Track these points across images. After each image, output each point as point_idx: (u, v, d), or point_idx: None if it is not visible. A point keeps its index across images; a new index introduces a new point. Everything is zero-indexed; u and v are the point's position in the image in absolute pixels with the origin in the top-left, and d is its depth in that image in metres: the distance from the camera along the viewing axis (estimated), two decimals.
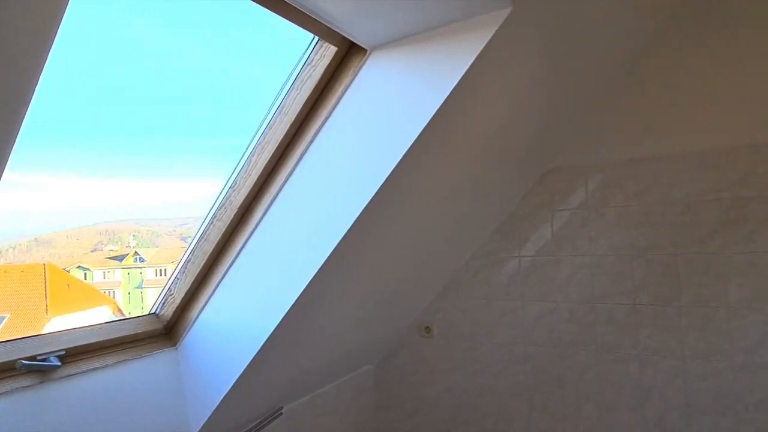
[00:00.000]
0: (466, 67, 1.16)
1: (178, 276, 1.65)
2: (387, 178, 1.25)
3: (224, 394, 1.51)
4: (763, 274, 1.65)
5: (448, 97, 1.18)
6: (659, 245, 1.81)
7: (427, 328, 2.27)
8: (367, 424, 2.34)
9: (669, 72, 1.81)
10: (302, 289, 1.42)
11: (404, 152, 1.20)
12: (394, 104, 1.29)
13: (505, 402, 2.10)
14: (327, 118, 1.36)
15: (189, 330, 1.62)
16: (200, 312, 1.61)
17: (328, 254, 1.36)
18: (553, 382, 2.00)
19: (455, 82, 1.16)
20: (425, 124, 1.22)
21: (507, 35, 1.17)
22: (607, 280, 1.90)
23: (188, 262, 1.63)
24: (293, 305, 1.43)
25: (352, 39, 1.28)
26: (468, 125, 1.42)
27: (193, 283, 1.62)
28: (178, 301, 1.64)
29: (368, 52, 1.30)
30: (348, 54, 1.37)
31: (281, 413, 1.83)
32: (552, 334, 2.01)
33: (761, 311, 1.65)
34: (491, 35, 1.12)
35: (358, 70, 1.30)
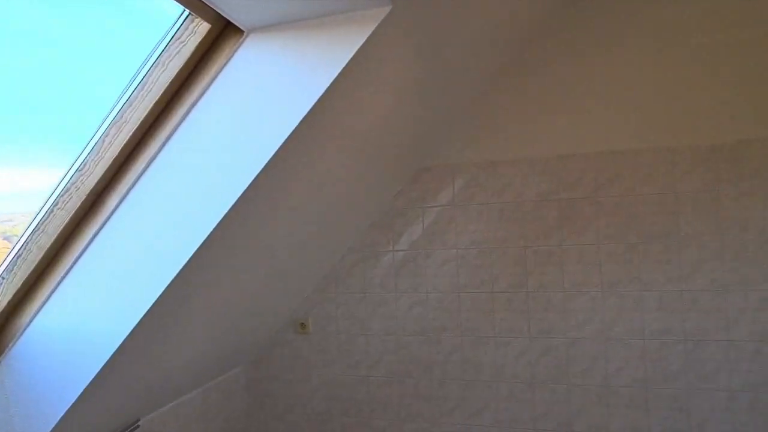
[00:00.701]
0: (346, 60, 1.17)
1: (2, 277, 1.37)
2: (262, 169, 1.20)
3: (65, 411, 1.31)
4: (589, 262, 1.97)
5: (327, 89, 1.18)
6: (512, 239, 2.05)
7: (303, 324, 2.24)
8: (237, 429, 2.23)
9: (524, 86, 2.04)
10: (163, 289, 1.29)
11: (281, 143, 1.17)
12: (271, 92, 1.24)
13: (380, 390, 2.17)
14: (197, 101, 1.26)
15: (18, 339, 1.36)
16: (33, 317, 1.37)
17: (195, 249, 1.26)
18: (423, 367, 2.13)
19: (335, 75, 1.16)
20: (303, 115, 1.20)
21: (386, 33, 1.21)
22: (470, 271, 2.09)
23: (18, 259, 1.37)
24: (152, 306, 1.30)
25: (228, 17, 1.20)
26: (346, 120, 1.44)
27: (24, 284, 1.37)
28: (3, 306, 1.37)
29: (245, 33, 1.23)
30: (223, 34, 1.28)
31: (138, 426, 1.65)
32: (423, 322, 2.14)
33: (586, 294, 1.97)
34: (371, 31, 1.15)
35: (234, 52, 1.22)
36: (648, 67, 1.91)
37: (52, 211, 1.34)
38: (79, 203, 1.34)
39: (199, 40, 1.24)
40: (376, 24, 1.15)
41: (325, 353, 2.23)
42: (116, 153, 1.31)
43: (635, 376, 1.92)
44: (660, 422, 1.89)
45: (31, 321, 1.37)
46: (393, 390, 2.16)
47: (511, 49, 1.99)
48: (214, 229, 1.25)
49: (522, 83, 2.04)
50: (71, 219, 1.35)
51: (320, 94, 1.15)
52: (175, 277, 1.29)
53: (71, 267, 1.36)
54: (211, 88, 1.23)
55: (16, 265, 1.36)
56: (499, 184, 2.06)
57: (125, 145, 1.31)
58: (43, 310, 1.36)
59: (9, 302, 1.37)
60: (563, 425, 1.98)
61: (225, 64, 1.22)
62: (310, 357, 2.25)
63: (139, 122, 1.29)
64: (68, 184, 1.33)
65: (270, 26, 1.23)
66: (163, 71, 1.28)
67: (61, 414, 1.31)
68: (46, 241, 1.35)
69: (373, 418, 2.17)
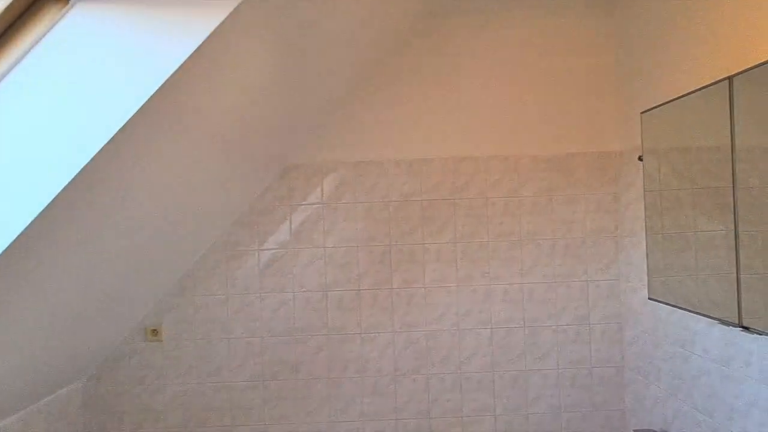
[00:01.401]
0: (194, 47, 1.07)
1: None
2: (93, 158, 1.04)
3: None
4: (446, 260, 2.12)
5: (172, 75, 1.07)
6: (378, 237, 2.11)
7: (154, 331, 2.04)
8: None
9: (391, 90, 2.12)
10: None
11: (116, 130, 1.02)
12: (101, 76, 1.07)
13: (243, 396, 2.08)
14: (5, 75, 1.05)
15: None
16: None
17: (3, 250, 1.05)
18: (289, 368, 2.09)
19: (182, 60, 1.06)
20: (140, 105, 1.06)
21: (239, 23, 1.14)
22: (338, 270, 2.10)
23: None
24: None
25: None
26: (200, 112, 1.33)
27: None
28: None
29: (71, 1, 1.06)
30: None
31: None
32: (289, 323, 2.09)
33: (444, 288, 2.12)
34: (223, 18, 1.07)
35: (57, 22, 1.04)
36: (496, 82, 2.12)
37: None
38: None
39: (10, 1, 1.03)
40: (231, 9, 1.08)
41: (181, 361, 2.06)
42: None
43: (484, 361, 2.12)
44: (503, 401, 2.12)
45: None
46: (257, 394, 2.08)
47: (376, 54, 2.04)
48: (29, 227, 1.05)
49: (388, 87, 2.11)
50: None
51: (161, 83, 1.03)
52: None
53: None
54: (26, 61, 1.03)
55: None
56: (366, 184, 2.11)
57: None
58: None
59: None
60: (422, 413, 2.11)
61: (44, 35, 1.03)
62: (163, 367, 2.06)
63: None
64: None
65: None
66: None
67: None
68: None
69: (236, 425, 2.07)
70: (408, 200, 2.11)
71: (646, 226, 1.71)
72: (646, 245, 1.70)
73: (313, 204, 2.11)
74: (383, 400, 2.10)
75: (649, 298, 1.66)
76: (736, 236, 1.28)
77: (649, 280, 1.68)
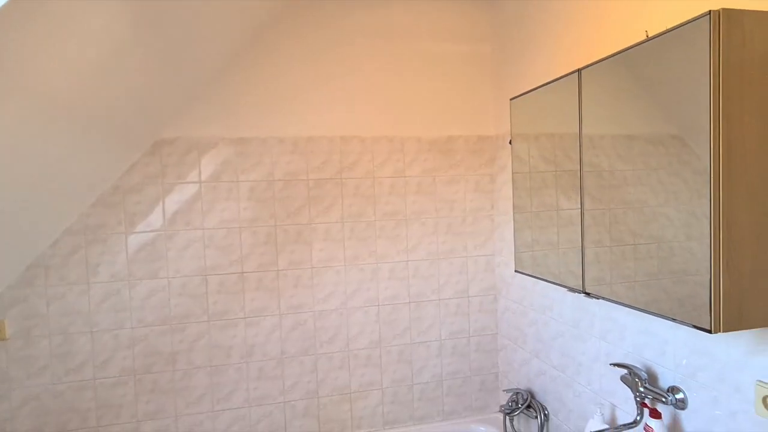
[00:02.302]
0: None
1: None
2: None
3: None
4: (335, 239, 2.11)
5: None
6: (262, 218, 2.03)
7: None
8: None
9: (274, 64, 2.02)
10: None
11: None
12: None
13: (111, 393, 1.89)
14: None
15: None
16: None
17: None
18: (164, 359, 1.94)
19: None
20: None
21: None
22: (219, 252, 1.99)
23: None
24: None
25: None
26: (32, 72, 1.14)
27: None
28: None
29: None
30: None
31: None
32: (164, 311, 1.94)
33: (332, 269, 2.11)
34: None
35: None
36: (382, 64, 2.13)
37: None
38: None
39: None
40: None
41: (32, 361, 1.81)
42: None
43: (371, 338, 2.17)
44: (390, 374, 2.19)
45: None
46: (128, 390, 1.91)
47: (254, 23, 1.93)
48: None
49: (271, 60, 2.01)
50: None
51: None
52: None
53: None
54: None
55: None
56: (248, 162, 2.00)
57: None
58: None
59: None
60: (311, 393, 2.10)
61: None
62: (9, 369, 1.79)
63: None
64: None
65: None
66: None
67: None
68: None
69: (102, 425, 1.89)
70: (294, 179, 2.05)
71: (514, 205, 1.85)
72: (514, 223, 1.85)
73: (190, 183, 1.95)
74: (270, 383, 2.05)
75: (515, 271, 1.81)
76: (582, 214, 1.43)
77: (516, 255, 1.83)
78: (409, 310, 2.21)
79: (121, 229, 1.89)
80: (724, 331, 0.94)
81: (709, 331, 0.94)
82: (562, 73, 1.49)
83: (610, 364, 1.38)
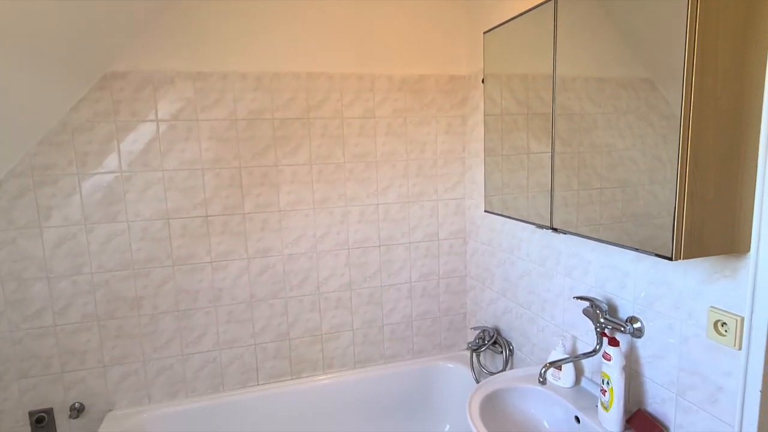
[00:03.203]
0: None
1: None
2: None
3: None
4: (302, 181, 2.05)
5: None
6: (226, 159, 1.94)
7: None
8: None
9: None
10: None
11: None
12: None
13: (73, 339, 1.85)
14: None
15: None
16: None
17: None
18: (128, 304, 1.90)
19: None
20: None
21: None
22: (181, 195, 1.90)
23: None
24: None
25: None
26: None
27: None
28: None
29: None
30: None
31: None
32: (125, 256, 1.87)
33: (300, 212, 2.07)
34: None
35: None
36: None
37: None
38: None
39: None
40: None
41: None
42: None
43: (342, 281, 2.17)
44: (360, 316, 2.22)
45: None
46: (92, 335, 1.87)
47: None
48: None
49: None
50: None
51: None
52: None
53: None
54: None
55: None
56: (208, 99, 1.88)
57: None
58: None
59: None
60: (282, 335, 2.11)
61: None
62: None
63: None
64: None
65: None
66: None
67: None
68: None
69: (67, 370, 1.85)
70: (258, 119, 1.95)
71: (485, 148, 1.83)
72: (485, 166, 1.83)
73: (146, 121, 1.83)
74: (240, 326, 2.05)
75: (485, 211, 1.81)
76: (552, 158, 1.42)
77: (486, 198, 1.82)
78: (379, 254, 2.21)
79: (72, 170, 1.77)
80: (684, 258, 0.96)
81: (671, 259, 0.96)
82: (537, 2, 1.43)
83: (574, 297, 1.42)
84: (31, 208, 1.75)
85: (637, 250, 1.06)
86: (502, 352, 2.00)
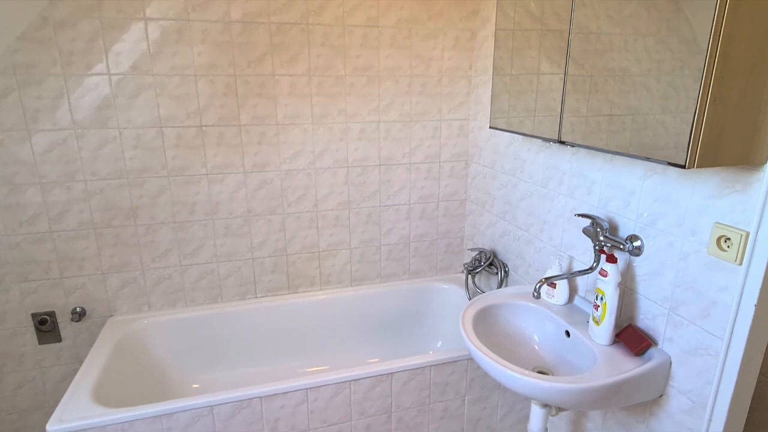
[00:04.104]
0: None
1: None
2: None
3: None
4: (301, 94, 1.96)
5: None
6: (220, 65, 1.83)
7: None
8: None
9: None
10: None
11: None
12: None
13: (72, 246, 1.85)
14: None
15: None
16: None
17: None
18: (125, 213, 1.88)
19: None
20: None
21: None
22: (173, 102, 1.82)
23: None
24: None
25: None
26: None
27: None
28: None
29: None
30: None
31: None
32: (118, 164, 1.82)
33: (298, 126, 2.00)
34: None
35: None
36: None
37: None
38: None
39: None
40: None
41: None
42: None
43: (340, 199, 2.14)
44: (358, 235, 2.22)
45: None
46: (89, 243, 1.87)
47: None
48: None
49: None
50: None
51: None
52: None
53: None
54: None
55: None
56: None
57: None
58: None
59: None
60: (279, 251, 2.12)
61: None
62: None
63: None
64: None
65: None
66: None
67: None
68: None
69: (66, 276, 1.87)
70: (253, 22, 1.82)
71: (494, 65, 1.72)
72: (493, 86, 1.74)
73: (133, 18, 1.71)
74: (237, 240, 2.05)
75: (490, 128, 1.74)
76: (565, 80, 1.34)
77: (491, 119, 1.75)
78: (379, 173, 2.16)
79: (57, 70, 1.68)
80: (698, 167, 0.92)
81: (684, 167, 0.92)
82: None
83: (575, 215, 1.40)
84: (17, 110, 1.67)
85: (648, 159, 1.02)
86: (497, 274, 2.03)
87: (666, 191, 1.20)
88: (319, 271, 2.21)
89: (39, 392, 1.97)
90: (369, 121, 2.08)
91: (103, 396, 1.53)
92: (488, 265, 2.06)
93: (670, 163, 0.95)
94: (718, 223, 1.07)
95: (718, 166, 0.94)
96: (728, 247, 1.04)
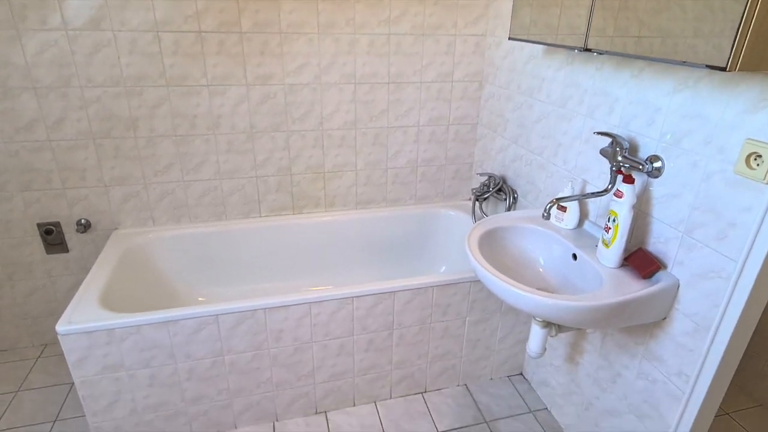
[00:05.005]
0: None
1: None
2: None
3: None
4: (304, 1, 1.82)
5: None
6: None
7: None
8: None
9: None
10: None
11: None
12: None
13: (71, 155, 1.81)
14: None
15: None
16: None
17: None
18: (124, 124, 1.82)
19: None
20: None
21: None
22: (169, 4, 1.69)
23: None
24: None
25: None
26: None
27: None
28: None
29: None
30: None
31: None
32: (114, 69, 1.73)
33: (303, 36, 1.87)
34: None
35: None
36: None
37: None
38: None
39: None
40: None
41: None
42: None
43: (347, 118, 2.06)
44: (364, 157, 2.15)
45: None
46: (89, 153, 1.83)
47: None
48: None
49: None
50: None
51: None
52: None
53: None
54: None
55: None
56: None
57: None
58: None
59: None
60: (283, 170, 2.07)
61: None
62: None
63: None
64: None
65: None
66: None
67: None
68: None
69: (68, 187, 1.85)
70: None
71: None
72: None
73: None
74: (240, 157, 2.00)
75: (510, 38, 1.62)
76: None
77: (511, 30, 1.62)
78: (388, 91, 2.06)
79: None
80: (740, 70, 0.83)
81: (725, 69, 0.83)
82: None
83: (595, 133, 1.32)
84: (3, 5, 1.56)
85: (685, 63, 0.92)
86: (505, 200, 1.98)
87: (696, 106, 1.12)
88: (324, 193, 2.17)
89: (50, 300, 2.02)
90: (379, 33, 1.94)
91: (109, 303, 1.56)
92: (497, 191, 2.01)
93: (708, 66, 0.86)
94: (749, 139, 0.99)
95: (762, 70, 0.85)
96: (758, 165, 0.98)
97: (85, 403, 1.51)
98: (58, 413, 1.76)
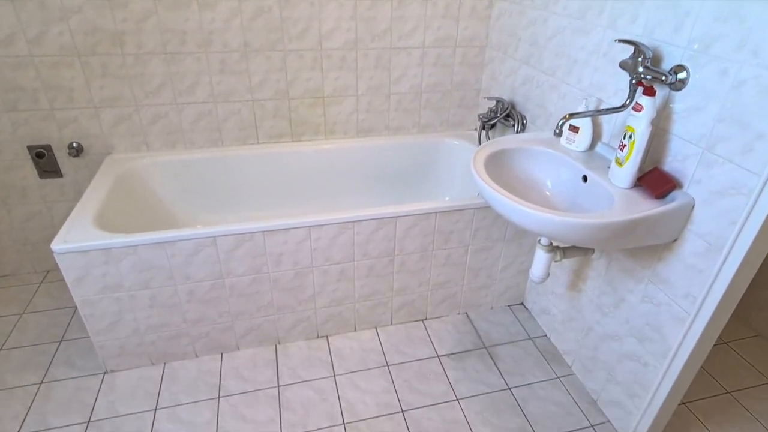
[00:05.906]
0: None
1: None
2: None
3: None
4: None
5: None
6: None
7: None
8: None
9: None
10: None
11: None
12: None
13: (55, 73, 1.71)
14: None
15: None
16: None
17: None
18: (109, 40, 1.70)
19: None
20: None
21: None
22: None
23: None
24: None
25: None
26: None
27: None
28: None
29: None
30: None
31: None
32: None
33: None
34: None
35: None
36: None
37: None
38: None
39: None
40: None
41: None
42: None
43: (347, 37, 1.93)
44: (366, 81, 2.04)
45: None
46: (75, 72, 1.73)
47: None
48: None
49: None
50: None
51: None
52: None
53: None
54: None
55: None
56: None
57: None
58: None
59: None
60: (281, 93, 1.97)
61: None
62: None
63: None
64: None
65: None
66: None
67: None
68: None
69: (56, 108, 1.77)
70: None
71: None
72: None
73: None
74: (234, 78, 1.89)
75: None
76: None
77: None
78: (391, 8, 1.91)
79: None
80: None
81: None
82: None
83: (616, 40, 1.21)
84: None
85: None
86: (513, 126, 1.89)
87: (732, 6, 1.01)
88: (324, 119, 2.08)
89: (48, 226, 2.00)
90: None
91: (105, 224, 1.53)
92: (505, 116, 1.91)
93: None
94: None
95: None
96: None
97: (88, 322, 1.51)
98: (63, 334, 1.78)
